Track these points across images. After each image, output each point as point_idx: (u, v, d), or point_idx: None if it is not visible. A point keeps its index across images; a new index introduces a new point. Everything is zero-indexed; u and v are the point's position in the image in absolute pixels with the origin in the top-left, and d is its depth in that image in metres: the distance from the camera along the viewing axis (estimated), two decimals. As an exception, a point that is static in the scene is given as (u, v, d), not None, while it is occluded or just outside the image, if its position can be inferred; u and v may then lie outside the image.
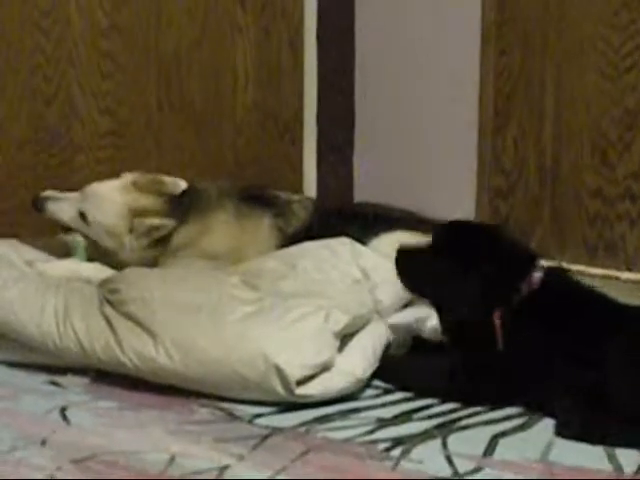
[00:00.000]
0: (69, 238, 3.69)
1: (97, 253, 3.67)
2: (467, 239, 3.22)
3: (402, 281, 3.30)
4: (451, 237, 3.23)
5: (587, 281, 3.27)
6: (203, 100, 4.26)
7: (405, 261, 3.26)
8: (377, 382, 3.26)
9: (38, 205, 3.64)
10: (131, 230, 3.62)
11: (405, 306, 3.51)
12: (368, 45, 4.78)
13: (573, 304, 3.11)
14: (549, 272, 3.17)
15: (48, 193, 3.65)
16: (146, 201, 3.67)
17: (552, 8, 4.37)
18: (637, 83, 4.24)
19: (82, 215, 3.64)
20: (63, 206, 3.65)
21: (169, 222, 3.64)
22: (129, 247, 3.63)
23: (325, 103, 4.68)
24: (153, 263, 3.65)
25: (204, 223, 3.68)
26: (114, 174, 3.69)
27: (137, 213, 3.64)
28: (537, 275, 3.11)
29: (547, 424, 2.96)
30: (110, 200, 3.67)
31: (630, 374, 2.89)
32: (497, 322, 3.06)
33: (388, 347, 3.36)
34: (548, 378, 3.02)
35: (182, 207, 3.67)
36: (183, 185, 3.73)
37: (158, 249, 3.65)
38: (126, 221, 3.64)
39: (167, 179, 3.73)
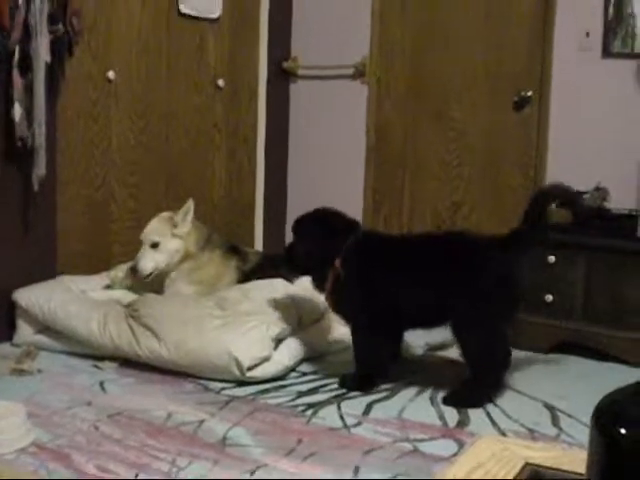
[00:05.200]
0: (110, 274, 3.64)
1: (134, 282, 3.64)
2: (309, 223, 3.15)
3: (288, 266, 3.25)
4: (301, 225, 3.17)
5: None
6: (193, 191, 4.23)
7: (287, 252, 3.21)
8: (299, 368, 3.25)
9: (133, 273, 3.58)
10: (172, 234, 3.59)
11: (317, 320, 3.46)
12: (296, 159, 4.80)
13: (386, 245, 3.11)
14: (366, 231, 3.22)
15: (133, 265, 3.58)
16: (174, 216, 3.62)
17: (408, 139, 4.47)
18: (459, 186, 4.35)
19: (154, 244, 3.58)
20: (146, 260, 3.56)
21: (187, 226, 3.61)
22: (173, 246, 3.58)
23: (268, 194, 4.71)
24: (161, 283, 3.60)
25: (199, 260, 3.67)
26: (135, 238, 3.66)
27: (171, 223, 3.60)
28: (359, 232, 3.10)
29: (403, 395, 2.97)
30: (156, 222, 3.61)
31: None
32: (337, 262, 3.01)
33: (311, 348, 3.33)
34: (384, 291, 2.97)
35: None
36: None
37: (176, 265, 3.58)
38: (168, 227, 3.59)
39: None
